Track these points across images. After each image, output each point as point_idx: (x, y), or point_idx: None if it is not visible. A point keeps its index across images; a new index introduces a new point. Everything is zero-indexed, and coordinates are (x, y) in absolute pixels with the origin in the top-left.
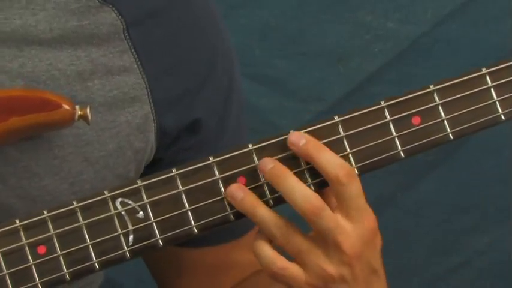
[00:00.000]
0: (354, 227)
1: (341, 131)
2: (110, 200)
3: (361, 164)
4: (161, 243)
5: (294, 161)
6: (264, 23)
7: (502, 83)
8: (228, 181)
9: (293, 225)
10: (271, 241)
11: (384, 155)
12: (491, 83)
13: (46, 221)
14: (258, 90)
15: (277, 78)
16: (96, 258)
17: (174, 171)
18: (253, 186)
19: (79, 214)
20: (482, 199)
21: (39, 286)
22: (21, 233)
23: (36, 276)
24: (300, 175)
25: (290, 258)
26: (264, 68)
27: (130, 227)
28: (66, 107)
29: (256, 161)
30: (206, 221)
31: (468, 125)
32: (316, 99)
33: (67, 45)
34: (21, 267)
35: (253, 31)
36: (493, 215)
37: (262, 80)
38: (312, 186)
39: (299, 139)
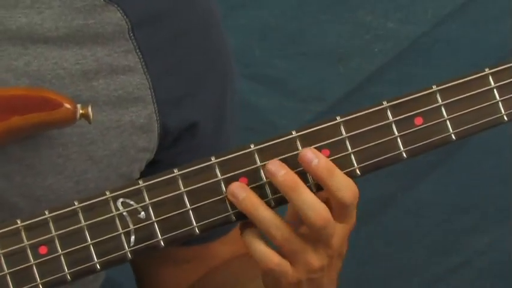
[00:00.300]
0: (343, 227)
1: (343, 132)
2: (111, 201)
3: (363, 164)
4: (162, 244)
5: (294, 162)
6: (264, 23)
7: (504, 83)
8: (229, 182)
9: (291, 227)
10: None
11: (386, 156)
12: (494, 83)
13: (48, 221)
14: (258, 90)
15: (277, 78)
16: (97, 259)
17: (176, 172)
18: (254, 186)
19: (81, 215)
20: (482, 199)
21: (40, 286)
22: (23, 234)
23: (38, 277)
24: (299, 175)
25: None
26: (264, 68)
27: (131, 228)
28: (68, 106)
29: (258, 161)
30: (207, 221)
31: (470, 125)
32: (316, 99)
33: (72, 44)
34: (22, 267)
35: (253, 31)
36: (493, 215)
37: (262, 80)
38: (312, 188)
39: (312, 158)
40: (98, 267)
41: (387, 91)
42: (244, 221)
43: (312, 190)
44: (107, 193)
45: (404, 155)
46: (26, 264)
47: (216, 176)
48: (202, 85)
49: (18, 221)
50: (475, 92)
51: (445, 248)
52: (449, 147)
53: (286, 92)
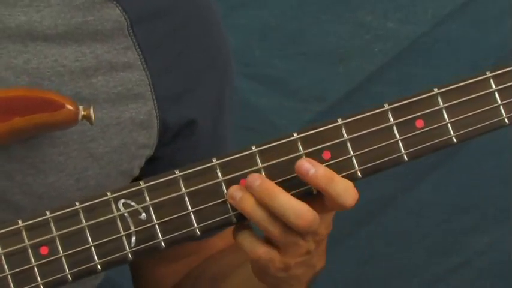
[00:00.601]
0: (331, 215)
1: (344, 134)
2: (112, 202)
3: (364, 166)
4: (163, 245)
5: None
6: (264, 23)
7: (505, 87)
8: (230, 183)
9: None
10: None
11: (387, 158)
12: (495, 86)
13: (49, 221)
14: (258, 90)
15: (277, 78)
16: (98, 260)
17: (177, 173)
18: None
19: (82, 215)
20: (482, 199)
21: (41, 287)
22: (24, 234)
23: (38, 277)
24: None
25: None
26: (264, 68)
27: (132, 229)
28: (70, 107)
29: (259, 163)
30: (208, 222)
31: (471, 128)
32: (316, 99)
33: (72, 42)
34: (23, 267)
35: (253, 31)
36: (493, 215)
37: (262, 80)
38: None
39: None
40: (99, 268)
41: (387, 91)
42: (241, 223)
43: (312, 193)
44: (108, 194)
45: (406, 157)
46: (27, 265)
47: (217, 178)
48: (201, 81)
49: (19, 221)
50: (476, 95)
51: (445, 248)
52: (450, 148)
53: (286, 92)
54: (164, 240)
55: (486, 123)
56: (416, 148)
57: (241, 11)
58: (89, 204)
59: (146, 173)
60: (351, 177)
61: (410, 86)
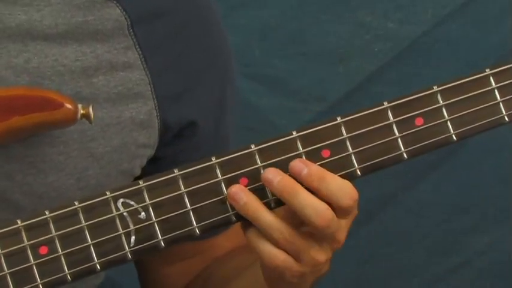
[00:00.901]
0: (347, 221)
1: (344, 132)
2: (111, 201)
3: (364, 165)
4: (163, 244)
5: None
6: (264, 23)
7: (505, 84)
8: (230, 182)
9: (293, 227)
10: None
11: (387, 156)
12: (495, 84)
13: (48, 221)
14: (258, 90)
15: (277, 78)
16: (97, 259)
17: (176, 172)
18: (255, 187)
19: (81, 215)
20: (482, 199)
21: (41, 287)
22: (23, 234)
23: (38, 277)
24: None
25: None
26: (264, 68)
27: (132, 228)
28: (69, 106)
29: (258, 162)
30: (208, 222)
31: (471, 126)
32: (316, 99)
33: (72, 41)
34: (22, 267)
35: (253, 31)
36: (493, 215)
37: (262, 80)
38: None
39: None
40: (98, 267)
41: (387, 91)
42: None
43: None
44: (107, 193)
45: (405, 155)
46: (26, 265)
47: (217, 177)
48: (202, 81)
49: (19, 221)
50: (476, 92)
51: (445, 248)
52: (450, 147)
53: (286, 92)
54: (163, 240)
55: (486, 120)
56: (416, 146)
57: (241, 11)
58: (88, 204)
59: (148, 173)
60: (351, 176)
61: (410, 86)
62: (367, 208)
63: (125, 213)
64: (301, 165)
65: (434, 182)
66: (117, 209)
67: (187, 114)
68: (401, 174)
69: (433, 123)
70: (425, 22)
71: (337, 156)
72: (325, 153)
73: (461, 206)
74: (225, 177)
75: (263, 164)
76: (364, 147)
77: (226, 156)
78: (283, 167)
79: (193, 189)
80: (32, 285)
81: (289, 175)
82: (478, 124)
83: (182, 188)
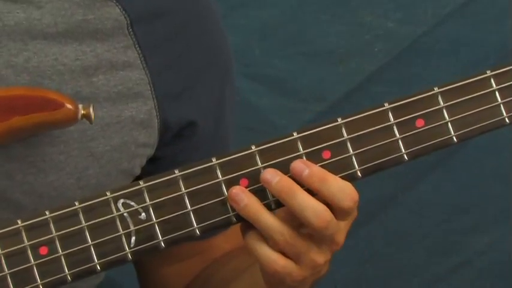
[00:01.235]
0: (346, 223)
1: (344, 133)
2: (112, 202)
3: (365, 166)
4: (163, 245)
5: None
6: (264, 23)
7: (506, 86)
8: (230, 183)
9: (293, 229)
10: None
11: (388, 158)
12: (496, 86)
13: (48, 222)
14: (258, 90)
15: (277, 78)
16: (97, 260)
17: (177, 173)
18: (255, 188)
19: (81, 215)
20: (482, 199)
21: (41, 287)
22: (23, 234)
23: (38, 277)
24: None
25: None
26: (264, 68)
27: (132, 229)
28: (69, 106)
29: (259, 163)
30: (208, 222)
31: (472, 128)
32: (316, 99)
33: (72, 40)
34: (22, 267)
35: (253, 31)
36: (493, 215)
37: (262, 80)
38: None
39: (302, 169)
40: (98, 268)
41: (387, 91)
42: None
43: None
44: (108, 194)
45: (406, 157)
46: (27, 265)
47: (217, 177)
48: (201, 81)
49: (19, 221)
50: (477, 94)
51: (445, 248)
52: (450, 148)
53: (286, 92)
54: (164, 240)
55: (486, 122)
56: (417, 147)
57: (241, 11)
58: (89, 204)
59: (148, 173)
60: (351, 177)
61: (410, 86)
62: (367, 208)
63: (125, 214)
64: (303, 166)
65: (434, 182)
66: (118, 210)
67: (187, 114)
68: (401, 174)
69: (434, 125)
70: (425, 22)
71: (338, 158)
72: (326, 154)
73: (461, 206)
74: (225, 178)
75: (263, 165)
76: (364, 149)
77: (227, 157)
78: (284, 168)
79: (193, 190)
80: (32, 285)
81: (290, 176)
82: (478, 126)
83: (182, 188)
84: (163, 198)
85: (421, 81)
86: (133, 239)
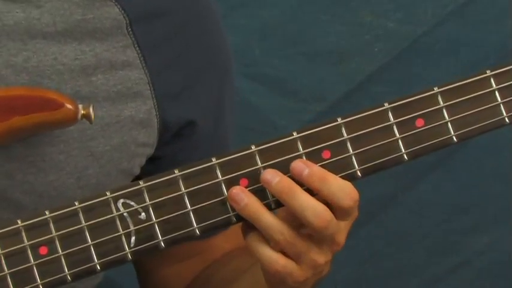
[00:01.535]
0: (347, 223)
1: (344, 133)
2: (112, 201)
3: (364, 166)
4: (163, 245)
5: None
6: (264, 23)
7: (506, 85)
8: (230, 183)
9: (294, 229)
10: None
11: (387, 157)
12: (496, 85)
13: (48, 222)
14: (258, 90)
15: (277, 78)
16: (97, 260)
17: (177, 173)
18: (255, 188)
19: (81, 215)
20: (482, 199)
21: (41, 287)
22: (23, 234)
23: (38, 277)
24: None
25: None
26: (264, 68)
27: (132, 229)
28: (69, 106)
29: (258, 162)
30: (208, 222)
31: (472, 127)
32: (316, 99)
33: (71, 39)
34: (22, 267)
35: (253, 31)
36: (493, 215)
37: (262, 80)
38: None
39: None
40: (98, 268)
41: (387, 91)
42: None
43: (311, 193)
44: (108, 194)
45: (406, 156)
46: (27, 265)
47: (217, 177)
48: (201, 81)
49: (19, 221)
50: (477, 94)
51: (445, 248)
52: (449, 147)
53: (286, 92)
54: (164, 240)
55: (486, 122)
56: (417, 147)
57: (241, 11)
58: (88, 204)
59: (148, 172)
60: (351, 177)
61: (410, 86)
62: (367, 208)
63: (125, 214)
64: (303, 166)
65: (434, 182)
66: (118, 210)
67: (187, 114)
68: (401, 174)
69: (434, 125)
70: (425, 22)
71: (338, 157)
72: (326, 154)
73: (461, 206)
74: (225, 178)
75: (263, 164)
76: (364, 149)
77: (227, 156)
78: (284, 168)
79: (193, 189)
80: (32, 285)
81: (290, 176)
82: (478, 126)
83: (182, 188)
84: (163, 198)
85: (421, 81)
86: (133, 238)
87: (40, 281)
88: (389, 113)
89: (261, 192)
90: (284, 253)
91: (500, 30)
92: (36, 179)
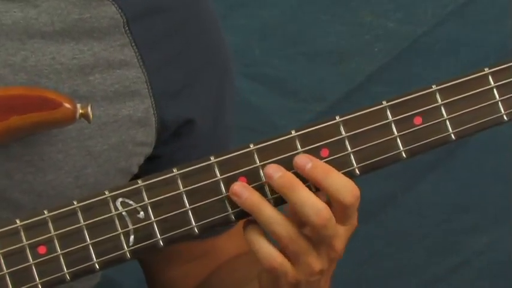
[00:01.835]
0: (346, 229)
1: (343, 131)
2: (110, 200)
3: (363, 164)
4: (162, 244)
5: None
6: (264, 23)
7: (504, 83)
8: (229, 181)
9: (297, 226)
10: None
11: (386, 155)
12: (494, 83)
13: (47, 221)
14: (258, 90)
15: (277, 78)
16: (96, 259)
17: (175, 171)
18: (254, 186)
19: (80, 214)
20: (482, 199)
21: (39, 286)
22: (22, 233)
23: (37, 276)
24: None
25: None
26: (264, 68)
27: (130, 227)
28: (67, 105)
29: (257, 161)
30: (207, 221)
31: (470, 125)
32: (316, 99)
33: (69, 39)
34: (21, 266)
35: (253, 31)
36: (493, 215)
37: (262, 80)
38: (312, 188)
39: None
40: (97, 267)
41: (387, 91)
42: (247, 218)
43: (311, 190)
44: (106, 193)
45: (404, 154)
46: (25, 264)
47: (215, 176)
48: (199, 79)
49: (17, 221)
50: (475, 91)
51: (445, 248)
52: (449, 147)
53: (286, 92)
54: (162, 239)
55: (485, 119)
56: (415, 145)
57: (241, 11)
58: (87, 203)
59: (146, 171)
60: (349, 175)
61: (410, 86)
62: (367, 208)
63: (123, 213)
64: (306, 159)
65: (434, 182)
66: (116, 209)
67: (185, 112)
68: (401, 174)
69: (432, 122)
70: (425, 22)
71: (336, 156)
72: (324, 152)
73: (461, 206)
74: (223, 176)
75: (262, 163)
76: (363, 147)
77: (225, 155)
78: (283, 166)
79: (192, 188)
80: (31, 284)
81: (293, 171)
82: (476, 123)
83: (181, 187)
84: (162, 197)
85: (421, 81)
86: (131, 237)
87: (39, 280)
88: (388, 111)
89: (259, 190)
90: (283, 252)
91: (500, 30)
92: (34, 179)
